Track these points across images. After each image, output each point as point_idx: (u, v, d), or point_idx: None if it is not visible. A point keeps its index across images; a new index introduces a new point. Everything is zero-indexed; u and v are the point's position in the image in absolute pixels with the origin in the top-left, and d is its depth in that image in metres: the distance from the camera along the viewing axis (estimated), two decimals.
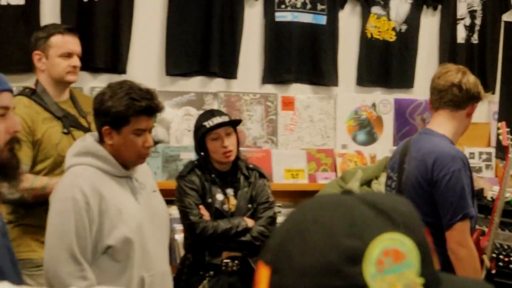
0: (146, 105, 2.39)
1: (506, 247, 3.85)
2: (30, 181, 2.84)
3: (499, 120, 3.88)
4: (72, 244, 2.05)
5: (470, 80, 2.88)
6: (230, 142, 3.12)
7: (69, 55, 2.99)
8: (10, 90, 1.91)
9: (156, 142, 3.33)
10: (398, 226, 0.70)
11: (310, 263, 0.70)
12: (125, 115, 2.58)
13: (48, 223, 2.41)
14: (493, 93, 4.46)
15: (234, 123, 3.22)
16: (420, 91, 4.27)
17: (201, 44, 4.04)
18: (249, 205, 3.19)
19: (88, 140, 2.65)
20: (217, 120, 3.14)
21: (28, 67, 3.36)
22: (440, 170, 2.78)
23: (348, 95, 4.33)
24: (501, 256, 3.64)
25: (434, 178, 2.77)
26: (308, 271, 0.70)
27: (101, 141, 2.54)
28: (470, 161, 3.41)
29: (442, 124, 2.87)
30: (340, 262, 0.67)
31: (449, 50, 4.52)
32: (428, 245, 0.75)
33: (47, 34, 3.02)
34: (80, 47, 3.13)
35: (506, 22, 4.47)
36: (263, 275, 0.71)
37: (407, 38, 4.28)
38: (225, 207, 3.17)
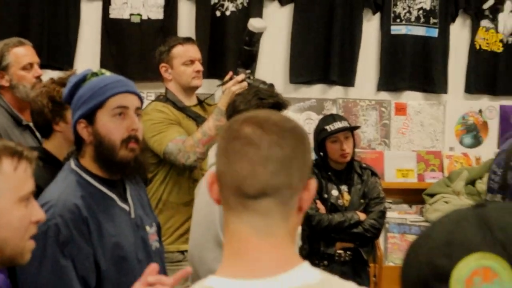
0: (274, 101, 2.39)
1: None
2: (191, 139, 2.86)
3: None
4: (218, 232, 2.01)
5: None
6: (347, 145, 3.20)
7: (191, 62, 3.04)
8: (134, 93, 1.92)
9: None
10: (495, 245, 0.69)
11: (410, 276, 0.76)
12: None
13: (194, 213, 2.42)
14: None
15: (352, 129, 3.34)
16: None
17: (322, 55, 4.13)
18: (362, 200, 3.28)
19: None
20: (337, 125, 3.24)
21: None
22: None
23: (457, 102, 4.39)
24: None
25: None
26: (407, 284, 0.75)
27: None
28: None
29: None
30: (430, 279, 0.70)
31: None
32: None
33: (169, 47, 3.09)
34: (200, 53, 3.17)
35: None
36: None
37: None
38: (340, 202, 3.26)
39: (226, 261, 1.02)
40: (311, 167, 1.10)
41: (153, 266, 1.54)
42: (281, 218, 1.01)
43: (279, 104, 2.38)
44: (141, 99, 1.98)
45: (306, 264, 1.02)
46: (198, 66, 3.04)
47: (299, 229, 3.15)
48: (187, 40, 3.18)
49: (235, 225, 1.00)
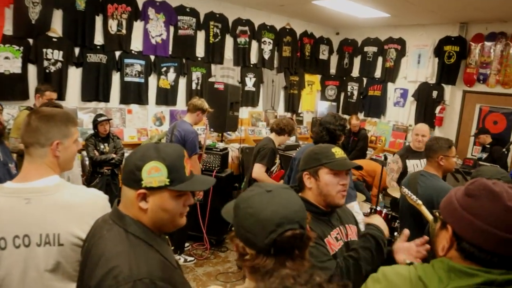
0: (54, 105, 3.03)
1: None
2: (19, 145, 3.71)
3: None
4: None
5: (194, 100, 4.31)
6: (107, 127, 4.66)
7: (49, 99, 4.21)
8: None
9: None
10: (160, 158, 1.18)
11: (125, 168, 1.26)
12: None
13: None
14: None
15: (109, 119, 4.72)
16: None
17: (94, 89, 5.71)
18: (114, 149, 4.79)
19: None
20: (103, 117, 4.73)
21: (26, 97, 5.03)
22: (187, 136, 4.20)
23: (153, 108, 6.04)
24: None
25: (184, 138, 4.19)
26: (125, 172, 1.25)
27: None
28: None
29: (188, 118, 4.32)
30: (135, 169, 1.18)
31: None
32: (177, 167, 1.18)
33: (43, 88, 4.36)
34: (55, 95, 4.40)
35: None
36: None
37: None
38: (105, 150, 4.73)
39: (18, 176, 1.38)
40: (59, 134, 1.45)
41: None
42: (38, 156, 1.41)
43: (57, 106, 3.23)
44: (2, 107, 2.83)
45: (55, 176, 1.35)
46: (52, 96, 4.33)
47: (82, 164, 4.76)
48: (53, 89, 4.49)
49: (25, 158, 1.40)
